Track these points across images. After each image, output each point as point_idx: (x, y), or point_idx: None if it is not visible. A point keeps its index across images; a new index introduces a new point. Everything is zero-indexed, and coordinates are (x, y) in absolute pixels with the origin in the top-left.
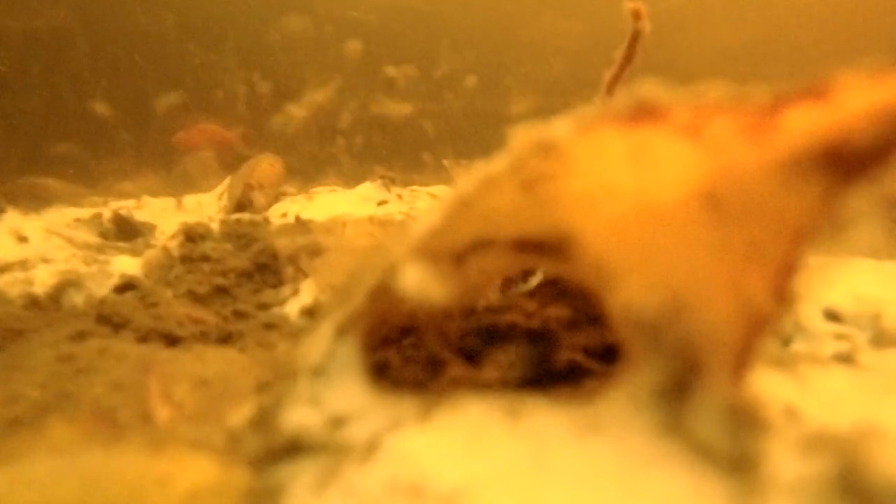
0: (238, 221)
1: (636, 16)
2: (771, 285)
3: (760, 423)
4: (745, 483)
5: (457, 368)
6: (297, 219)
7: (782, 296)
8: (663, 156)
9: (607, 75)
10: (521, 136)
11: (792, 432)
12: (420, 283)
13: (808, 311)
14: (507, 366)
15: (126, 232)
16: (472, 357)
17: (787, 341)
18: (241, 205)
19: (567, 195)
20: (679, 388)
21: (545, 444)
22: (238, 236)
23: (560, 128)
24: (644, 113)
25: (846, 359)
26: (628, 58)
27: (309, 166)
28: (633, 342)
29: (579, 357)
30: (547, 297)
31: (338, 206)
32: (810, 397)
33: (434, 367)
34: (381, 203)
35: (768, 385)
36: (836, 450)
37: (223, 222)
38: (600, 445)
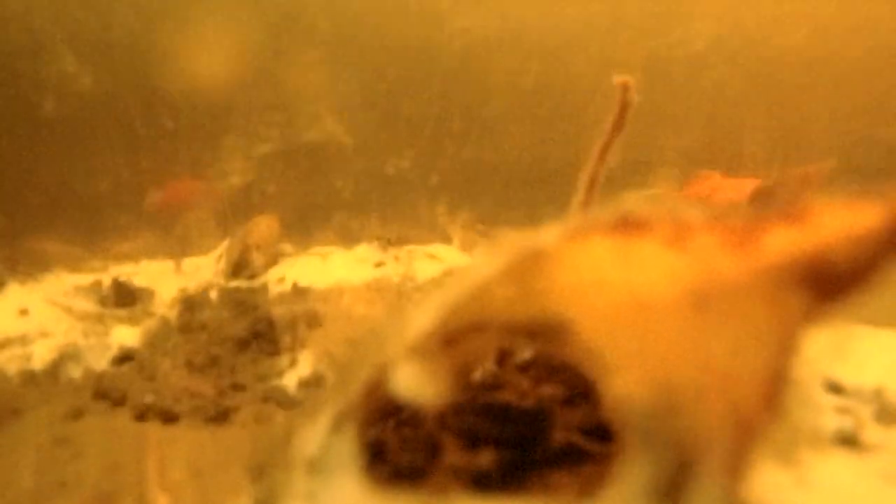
0: (237, 289)
1: (624, 88)
2: (759, 393)
3: None
4: None
5: (454, 454)
6: (295, 286)
7: (771, 406)
8: (651, 257)
9: (596, 146)
10: (512, 241)
11: None
12: (412, 384)
13: (810, 382)
14: (503, 448)
15: (125, 299)
16: (468, 436)
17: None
18: (239, 266)
19: (559, 287)
20: (673, 486)
21: None
22: (236, 304)
23: (549, 234)
24: (629, 225)
25: (849, 440)
26: (617, 128)
27: (305, 221)
28: (628, 435)
29: (575, 437)
30: (540, 375)
31: (335, 268)
32: (811, 495)
33: (431, 451)
34: (378, 265)
35: (766, 482)
36: None
37: (221, 290)
38: None
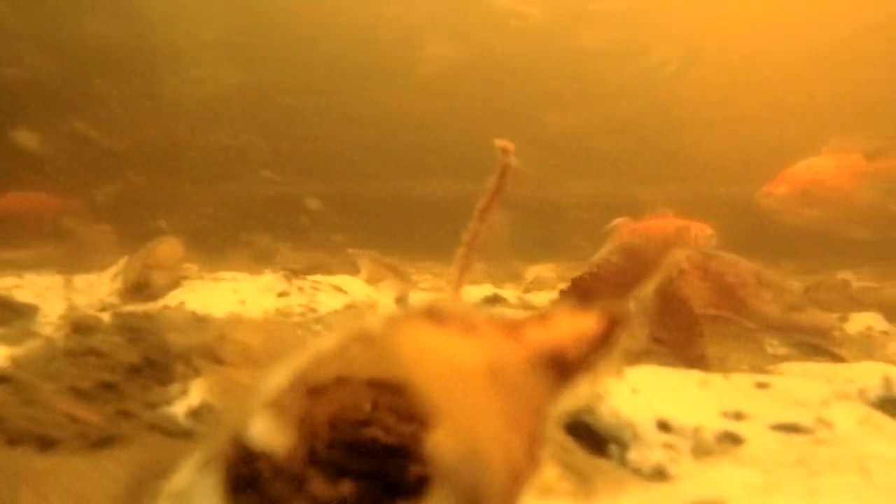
0: (132, 314)
1: (504, 152)
2: (525, 449)
3: None
4: None
5: (318, 485)
6: (193, 314)
7: (532, 461)
8: (456, 340)
9: (479, 205)
10: (345, 326)
11: None
12: (264, 436)
13: (644, 422)
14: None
15: (4, 314)
16: (333, 469)
17: (625, 447)
18: (139, 287)
19: (405, 351)
20: None
21: None
22: (130, 329)
23: (376, 321)
24: (435, 316)
25: (659, 472)
26: (498, 189)
27: (214, 245)
28: (436, 477)
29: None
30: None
31: (238, 295)
32: None
33: (298, 484)
34: (281, 294)
35: None
36: None
37: (115, 313)
38: None
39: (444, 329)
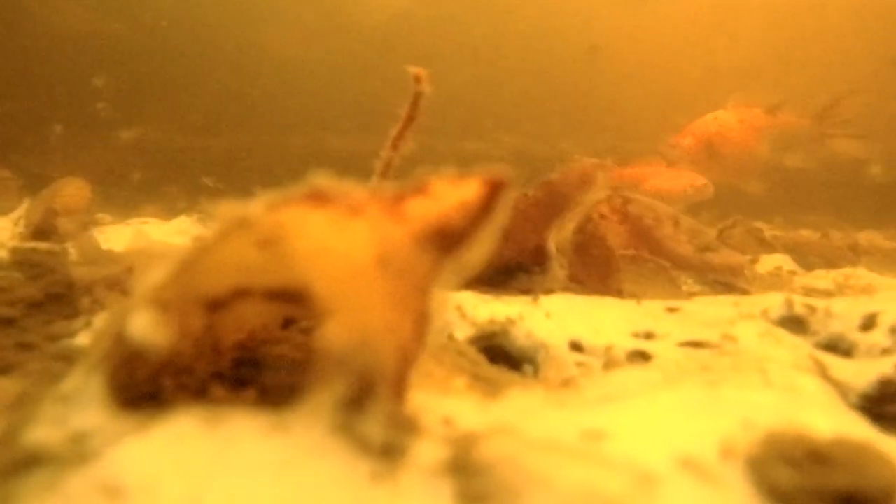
0: (33, 250)
1: (417, 79)
2: (414, 330)
3: (414, 427)
4: (388, 463)
5: (219, 391)
6: (100, 248)
7: (420, 339)
8: (347, 227)
9: (392, 132)
10: (227, 211)
11: (441, 432)
12: (144, 330)
13: (558, 343)
14: (270, 388)
15: None
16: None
17: (538, 367)
18: (43, 231)
19: (299, 256)
20: (355, 402)
21: (235, 442)
22: (31, 265)
23: (258, 205)
24: (318, 198)
25: (567, 382)
26: (411, 116)
27: (131, 194)
28: (325, 366)
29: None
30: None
31: (150, 238)
32: (482, 413)
33: (203, 392)
34: (196, 239)
35: (450, 404)
36: (464, 442)
37: (14, 250)
38: (282, 440)
39: (330, 213)
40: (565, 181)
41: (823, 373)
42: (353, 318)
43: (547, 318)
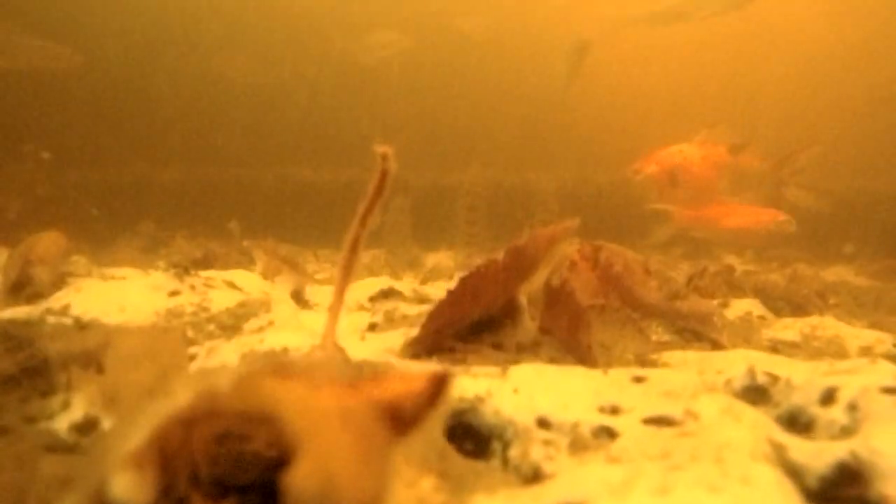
0: (11, 321)
1: (384, 157)
2: (374, 488)
3: None
4: None
5: (198, 501)
6: (77, 320)
7: (380, 498)
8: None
9: (360, 209)
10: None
11: None
12: (125, 494)
13: (525, 419)
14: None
15: None
16: (216, 485)
17: (507, 445)
18: (20, 285)
19: (266, 392)
20: None
21: None
22: (7, 336)
23: (224, 379)
24: (280, 374)
25: (535, 471)
26: (377, 194)
27: (104, 235)
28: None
29: None
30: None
31: (126, 295)
32: None
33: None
34: (172, 294)
35: None
36: None
37: None
38: None
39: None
40: (533, 245)
41: (781, 456)
42: (320, 460)
43: (515, 393)
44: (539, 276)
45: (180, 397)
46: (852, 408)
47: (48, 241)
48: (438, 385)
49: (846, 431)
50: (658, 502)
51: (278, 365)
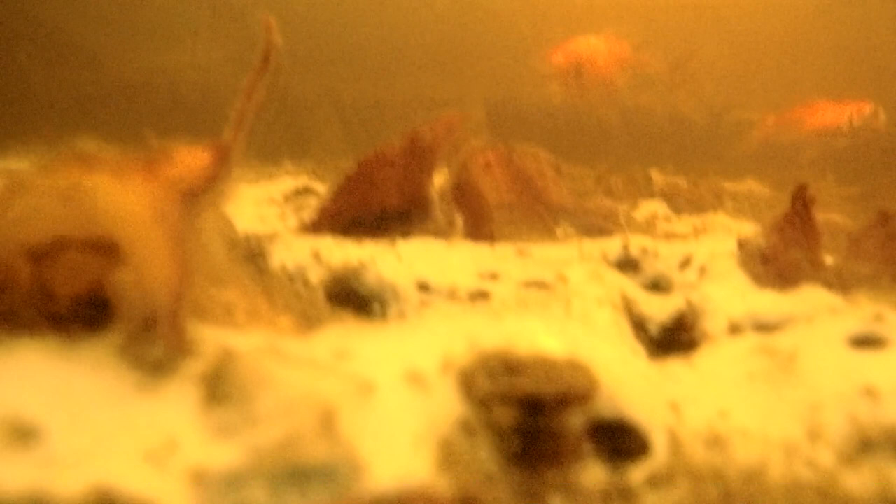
0: None
1: (268, 29)
2: (181, 272)
3: (193, 352)
4: (155, 376)
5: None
6: None
7: (187, 279)
8: (131, 187)
9: (246, 82)
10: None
11: (217, 355)
12: None
13: (406, 283)
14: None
15: None
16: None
17: (386, 306)
18: None
19: (102, 210)
20: (141, 331)
21: (19, 360)
22: None
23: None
24: (88, 161)
25: (400, 314)
26: (262, 69)
27: None
28: (118, 304)
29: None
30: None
31: None
32: (275, 341)
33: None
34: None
35: (252, 338)
36: (227, 358)
37: None
38: (66, 359)
39: (109, 174)
40: (431, 132)
41: (628, 307)
42: (141, 264)
43: (398, 260)
44: (436, 165)
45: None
46: (702, 270)
47: None
48: (222, 156)
49: (694, 288)
50: (493, 325)
51: (80, 154)
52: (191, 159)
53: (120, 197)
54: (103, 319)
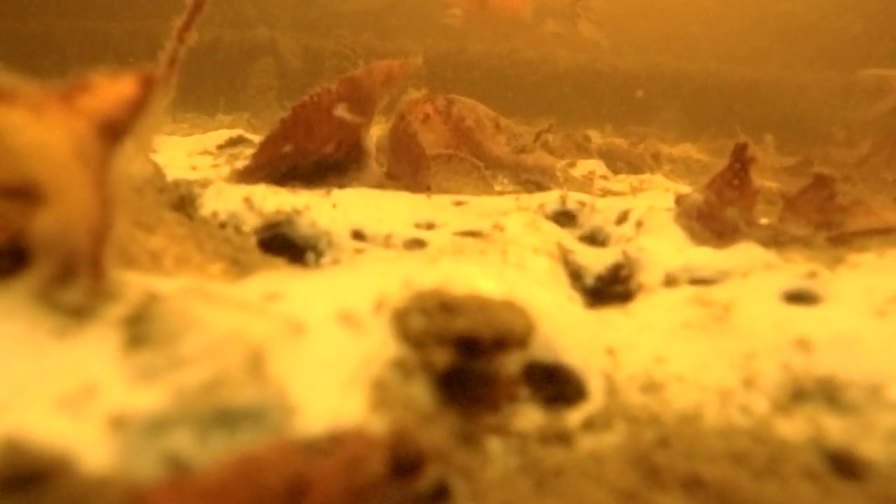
0: None
1: None
2: (104, 214)
3: (112, 296)
4: (74, 320)
5: None
6: None
7: (109, 222)
8: (49, 123)
9: (177, 24)
10: None
11: (137, 299)
12: None
13: (340, 231)
14: None
15: None
16: None
17: (320, 254)
18: None
19: (24, 150)
20: (58, 278)
21: None
22: None
23: None
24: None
25: (334, 263)
26: (194, 10)
27: None
28: (37, 250)
29: None
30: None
31: None
32: (203, 286)
33: None
34: None
35: (177, 282)
36: (149, 301)
37: None
38: None
39: (26, 109)
40: (368, 78)
41: (565, 257)
42: (61, 206)
43: (333, 208)
44: (373, 113)
45: None
46: (639, 224)
47: None
48: (146, 86)
49: (630, 242)
50: (429, 267)
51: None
52: (113, 90)
53: (37, 133)
54: (18, 268)
